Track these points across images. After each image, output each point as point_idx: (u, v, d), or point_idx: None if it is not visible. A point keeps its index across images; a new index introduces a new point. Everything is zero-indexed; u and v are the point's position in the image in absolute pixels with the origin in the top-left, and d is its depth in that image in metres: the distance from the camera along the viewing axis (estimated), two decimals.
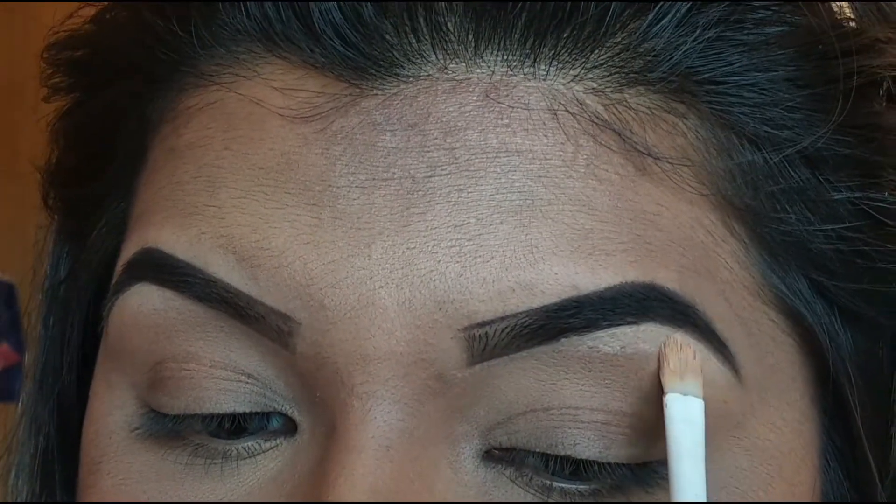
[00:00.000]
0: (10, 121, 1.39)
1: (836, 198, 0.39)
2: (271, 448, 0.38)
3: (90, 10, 0.43)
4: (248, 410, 0.38)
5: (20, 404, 0.49)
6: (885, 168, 0.39)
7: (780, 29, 0.39)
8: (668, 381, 0.36)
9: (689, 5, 0.38)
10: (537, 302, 0.36)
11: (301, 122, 0.38)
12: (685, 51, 0.38)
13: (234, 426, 0.39)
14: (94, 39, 0.43)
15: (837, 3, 0.42)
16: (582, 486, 0.37)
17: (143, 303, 0.39)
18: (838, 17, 0.40)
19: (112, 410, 0.41)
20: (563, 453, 0.37)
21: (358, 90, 0.38)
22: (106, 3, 0.43)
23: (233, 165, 0.38)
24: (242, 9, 0.39)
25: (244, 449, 0.39)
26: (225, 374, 0.38)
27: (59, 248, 0.47)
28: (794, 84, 0.39)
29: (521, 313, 0.36)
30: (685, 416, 0.36)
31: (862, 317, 0.40)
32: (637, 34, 0.38)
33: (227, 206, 0.38)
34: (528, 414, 0.37)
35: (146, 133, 0.41)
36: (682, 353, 0.36)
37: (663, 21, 0.38)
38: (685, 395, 0.36)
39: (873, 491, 0.41)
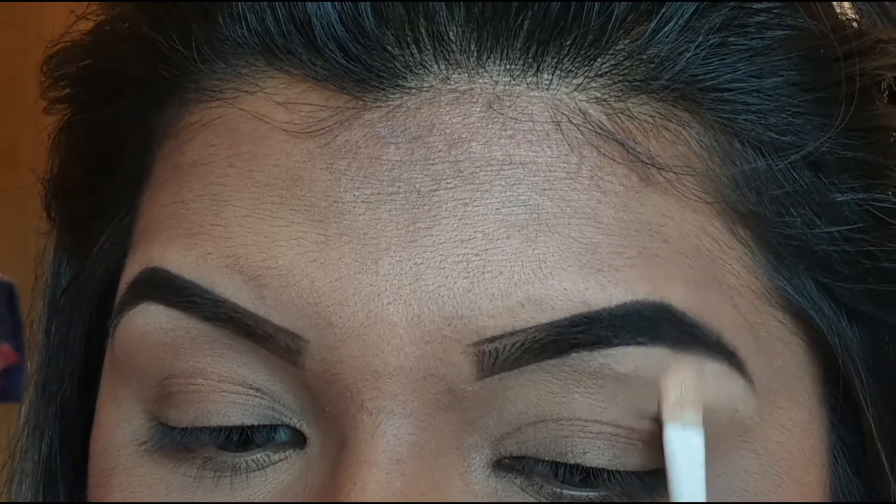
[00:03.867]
0: (9, 121, 1.39)
1: (839, 199, 0.39)
2: (281, 460, 0.38)
3: (87, 23, 0.43)
4: (256, 423, 0.38)
5: (23, 412, 0.49)
6: (888, 169, 0.39)
7: (782, 33, 0.38)
8: (667, 414, 0.36)
9: (692, 10, 0.38)
10: (547, 317, 0.36)
11: (305, 136, 0.37)
12: (688, 57, 0.37)
13: (242, 438, 0.38)
14: (93, 53, 0.42)
15: (839, 3, 0.42)
16: (591, 493, 0.37)
17: (149, 321, 0.39)
18: (840, 19, 0.40)
19: (120, 424, 0.40)
20: (572, 462, 0.37)
21: (361, 103, 0.37)
22: (103, 17, 0.42)
23: (237, 183, 0.38)
24: (243, 22, 0.38)
25: (253, 461, 0.38)
26: (233, 387, 0.38)
27: (61, 258, 0.47)
28: (797, 88, 0.38)
29: (530, 328, 0.36)
30: (684, 448, 0.35)
31: (869, 316, 0.40)
32: (640, 41, 0.37)
33: (232, 224, 0.38)
34: (537, 424, 0.37)
35: (149, 149, 0.41)
36: (682, 383, 0.36)
37: (667, 27, 0.37)
38: (684, 426, 0.36)
39: (885, 486, 0.41)
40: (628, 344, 0.36)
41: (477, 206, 0.36)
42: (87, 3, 0.43)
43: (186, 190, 0.39)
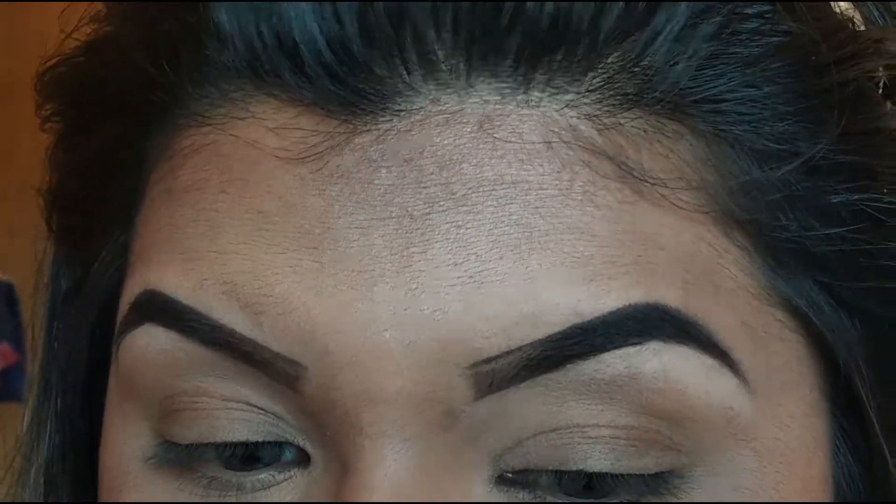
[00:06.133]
0: (9, 121, 1.39)
1: (834, 201, 0.39)
2: (285, 480, 0.39)
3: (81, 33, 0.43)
4: (261, 440, 0.38)
5: (27, 416, 0.49)
6: (882, 169, 0.40)
7: (776, 39, 0.38)
8: None
9: (683, 21, 0.37)
10: (541, 333, 0.36)
11: (297, 162, 0.37)
12: (680, 69, 0.37)
13: (248, 456, 0.39)
14: (83, 75, 0.42)
15: (838, 2, 0.42)
16: (596, 501, 0.37)
17: (150, 343, 0.39)
18: (836, 19, 0.40)
19: (128, 440, 0.41)
20: (574, 468, 0.37)
21: (351, 126, 0.37)
22: (94, 35, 0.42)
23: (231, 209, 0.38)
24: (231, 47, 0.38)
25: (258, 481, 0.39)
26: (237, 405, 0.38)
27: (61, 268, 0.47)
28: (792, 95, 0.38)
29: (525, 346, 0.36)
30: None
31: (870, 312, 0.40)
32: (631, 54, 0.37)
33: (227, 251, 0.38)
34: (537, 436, 0.37)
35: (142, 171, 0.41)
36: None
37: (658, 39, 0.37)
38: None
39: (886, 473, 0.41)
40: (621, 346, 0.36)
41: (469, 227, 0.36)
42: (79, 18, 0.43)
43: (180, 214, 0.39)
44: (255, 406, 0.38)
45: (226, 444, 0.39)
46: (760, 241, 0.38)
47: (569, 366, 0.36)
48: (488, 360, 0.36)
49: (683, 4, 0.37)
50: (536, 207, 0.36)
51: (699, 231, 0.38)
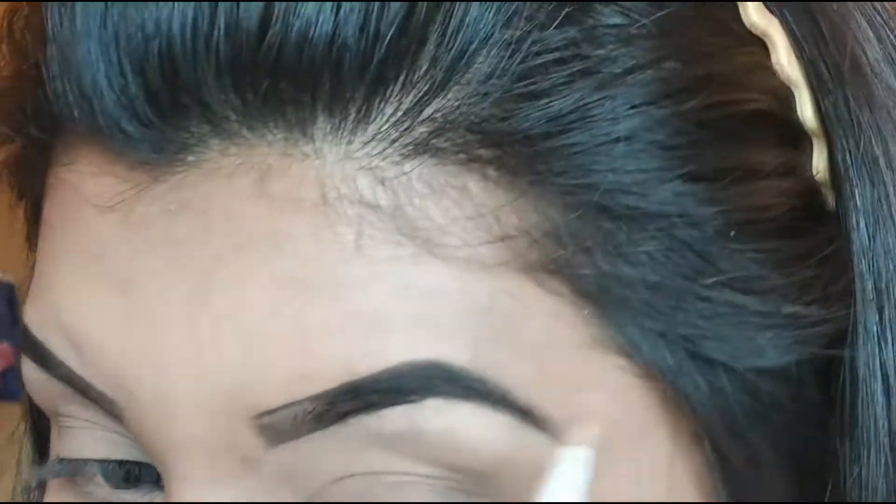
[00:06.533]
0: None
1: (648, 249, 0.37)
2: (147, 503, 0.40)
3: None
4: (123, 458, 0.40)
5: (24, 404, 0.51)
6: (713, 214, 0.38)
7: (611, 73, 0.37)
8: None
9: (493, 64, 0.36)
10: (316, 388, 0.36)
11: (108, 209, 0.38)
12: (481, 114, 0.36)
13: (127, 473, 0.41)
14: (3, 97, 0.43)
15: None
16: None
17: (28, 373, 0.41)
18: (695, 42, 0.39)
19: (52, 451, 0.43)
20: None
21: (151, 177, 0.38)
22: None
23: (64, 250, 0.40)
24: (51, 95, 0.38)
25: (123, 502, 0.41)
26: (100, 427, 0.40)
27: None
28: (626, 141, 0.37)
29: (304, 400, 0.36)
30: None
31: (711, 359, 0.39)
32: (417, 97, 0.36)
33: (60, 291, 0.39)
34: (339, 482, 0.37)
35: (43, 197, 0.42)
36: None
37: (457, 81, 0.36)
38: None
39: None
40: (400, 404, 0.36)
41: (251, 281, 0.37)
42: None
43: (40, 249, 0.41)
44: (116, 431, 0.40)
45: (101, 462, 0.41)
46: (581, 289, 0.37)
47: (350, 420, 0.37)
48: (269, 412, 0.37)
49: (483, 32, 0.36)
50: (311, 262, 0.36)
51: (497, 283, 0.37)
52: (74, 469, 0.41)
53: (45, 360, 0.40)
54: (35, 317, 0.40)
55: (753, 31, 0.40)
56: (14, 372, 1.65)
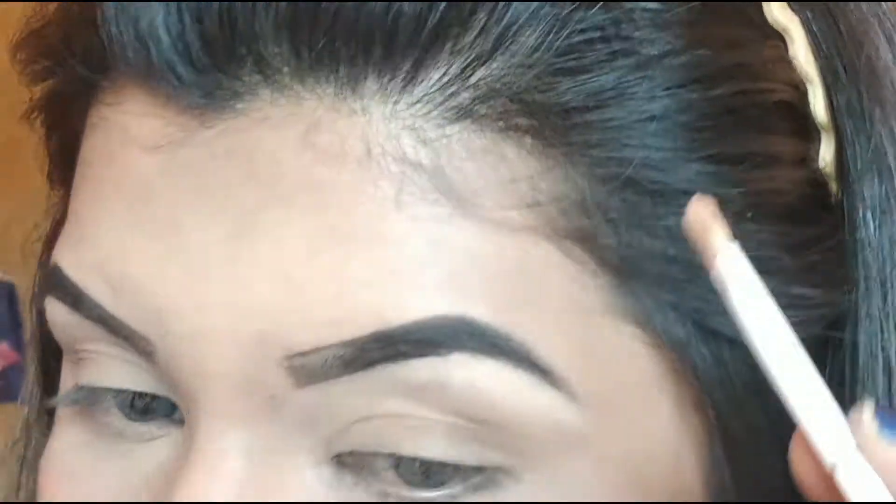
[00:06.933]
0: (9, 119, 1.38)
1: (671, 224, 0.38)
2: (162, 436, 0.41)
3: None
4: (146, 391, 0.41)
5: (27, 400, 0.51)
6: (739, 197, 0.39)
7: (646, 53, 0.38)
8: (710, 248, 0.34)
9: (539, 33, 0.37)
10: (347, 335, 0.37)
11: (154, 151, 0.39)
12: (523, 85, 0.38)
13: (145, 406, 0.41)
14: (41, 40, 0.43)
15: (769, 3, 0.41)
16: (429, 493, 0.39)
17: (53, 312, 0.42)
18: (723, 30, 0.40)
19: (65, 382, 0.44)
20: (405, 454, 0.38)
21: (200, 122, 0.39)
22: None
23: (108, 190, 0.40)
24: (106, 37, 0.39)
25: (140, 433, 0.41)
26: (122, 360, 0.41)
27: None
28: (659, 120, 0.38)
29: (333, 345, 0.37)
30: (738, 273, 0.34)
31: (718, 332, 0.39)
32: (465, 63, 0.37)
33: (101, 231, 0.40)
34: (361, 422, 0.38)
35: (81, 135, 0.43)
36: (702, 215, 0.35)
37: (500, 48, 0.37)
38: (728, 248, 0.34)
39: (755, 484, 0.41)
40: (426, 355, 0.37)
41: (289, 227, 0.38)
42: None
43: (78, 190, 0.42)
44: (136, 363, 0.41)
45: (120, 391, 0.41)
46: (604, 258, 0.38)
47: (378, 367, 0.38)
48: (301, 354, 0.38)
49: (533, 6, 0.37)
50: (351, 214, 0.38)
51: (525, 247, 0.38)
52: (93, 397, 0.42)
53: (77, 301, 0.40)
54: (70, 258, 0.41)
55: (775, 26, 0.41)
56: (14, 372, 1.65)
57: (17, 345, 1.64)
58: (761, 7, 0.41)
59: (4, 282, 1.62)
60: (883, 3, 0.45)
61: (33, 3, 0.43)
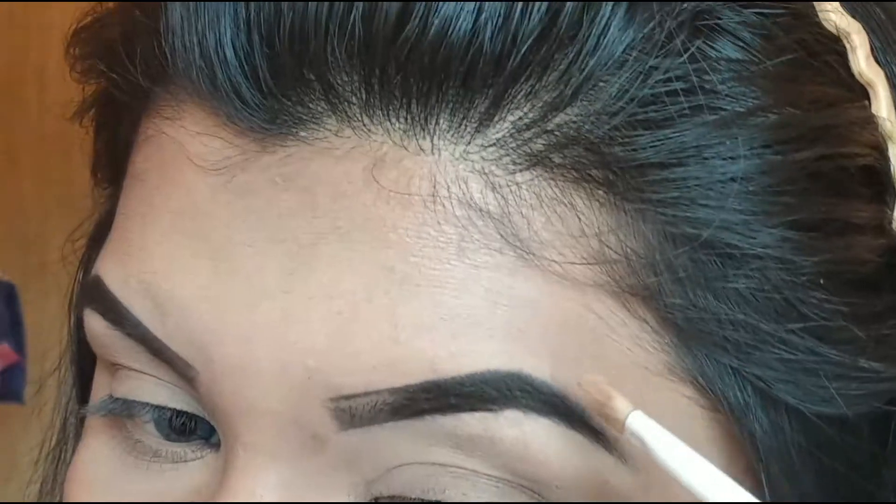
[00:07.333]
0: (9, 121, 1.38)
1: (739, 287, 0.37)
2: (196, 459, 0.40)
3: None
4: (182, 409, 0.40)
5: (61, 406, 0.51)
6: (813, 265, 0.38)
7: (732, 108, 0.37)
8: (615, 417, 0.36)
9: (618, 85, 0.36)
10: (399, 381, 0.37)
11: (211, 172, 0.38)
12: (601, 134, 0.36)
13: (182, 426, 0.41)
14: (99, 39, 0.43)
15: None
16: None
17: (91, 324, 0.41)
18: (812, 90, 0.38)
19: (98, 391, 0.43)
20: (433, 499, 0.38)
21: (260, 146, 0.38)
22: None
23: (159, 206, 0.39)
24: (170, 50, 0.38)
25: (174, 453, 0.40)
26: (163, 379, 0.40)
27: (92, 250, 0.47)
28: (740, 181, 0.37)
29: (384, 391, 0.37)
30: (649, 427, 0.36)
31: (779, 399, 0.39)
32: (544, 108, 0.37)
33: (149, 247, 0.39)
34: (402, 467, 0.38)
35: (130, 146, 0.42)
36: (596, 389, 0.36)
37: (584, 98, 0.36)
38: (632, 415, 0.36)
39: None
40: (478, 410, 0.37)
41: (349, 265, 0.37)
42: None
43: (127, 203, 0.41)
44: (178, 384, 0.40)
45: (157, 407, 0.40)
46: (666, 317, 0.38)
47: (426, 417, 0.37)
48: (348, 397, 0.37)
49: (618, 53, 0.36)
50: (413, 256, 0.37)
51: (588, 303, 0.37)
52: (128, 409, 0.41)
53: (119, 317, 0.40)
54: (115, 273, 0.40)
55: (860, 80, 0.40)
56: (14, 372, 1.65)
57: (17, 345, 1.64)
58: (847, 60, 0.40)
59: (4, 282, 1.62)
60: None
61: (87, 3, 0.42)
